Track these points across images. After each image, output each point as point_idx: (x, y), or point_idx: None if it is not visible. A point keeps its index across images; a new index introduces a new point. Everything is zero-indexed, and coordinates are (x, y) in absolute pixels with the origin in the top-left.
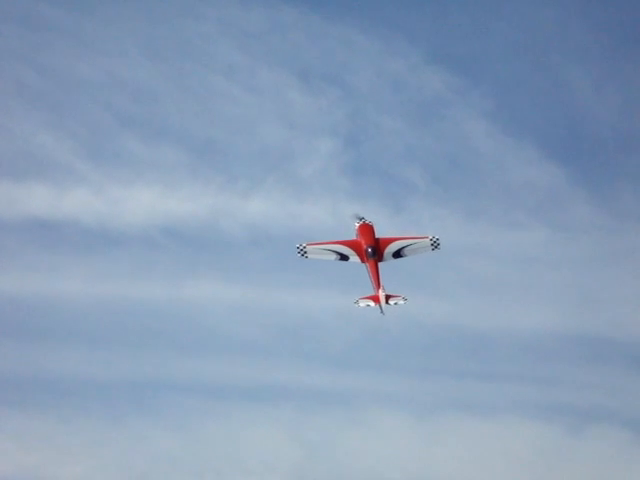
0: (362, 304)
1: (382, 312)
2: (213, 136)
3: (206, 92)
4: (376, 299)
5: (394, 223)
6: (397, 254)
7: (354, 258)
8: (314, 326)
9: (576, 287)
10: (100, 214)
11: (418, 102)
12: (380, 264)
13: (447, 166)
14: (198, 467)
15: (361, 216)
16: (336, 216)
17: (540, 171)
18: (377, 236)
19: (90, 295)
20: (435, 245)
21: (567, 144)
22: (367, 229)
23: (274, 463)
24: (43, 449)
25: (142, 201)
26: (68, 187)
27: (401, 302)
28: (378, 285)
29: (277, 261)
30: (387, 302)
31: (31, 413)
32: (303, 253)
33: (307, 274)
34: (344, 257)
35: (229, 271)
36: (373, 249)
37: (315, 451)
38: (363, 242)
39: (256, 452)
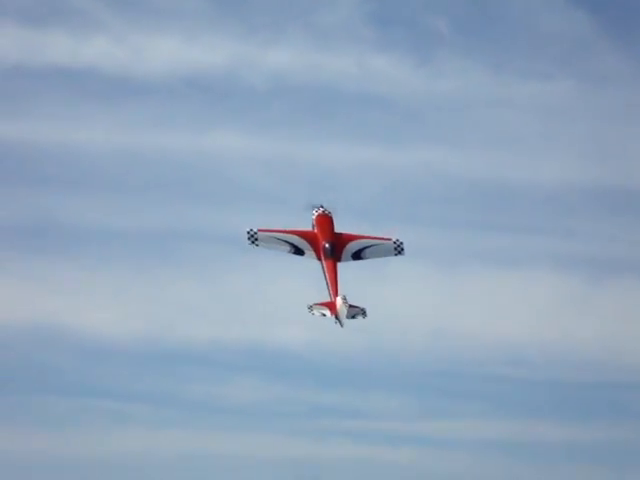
0: (316, 312)
1: (341, 324)
2: None
3: None
4: (332, 307)
5: (419, 74)
6: (357, 255)
7: (310, 253)
8: (336, 179)
9: (600, 139)
10: (121, 63)
11: None
12: (338, 264)
13: (473, 15)
14: (223, 317)
15: (319, 204)
16: (360, 67)
17: (568, 20)
18: (337, 230)
19: (112, 145)
20: (398, 250)
21: None
22: (325, 221)
23: (298, 314)
24: (68, 296)
25: (163, 50)
26: (88, 34)
27: (360, 317)
28: (335, 291)
29: (299, 112)
30: (347, 315)
31: (56, 260)
32: (253, 240)
33: (330, 125)
34: (299, 251)
35: (250, 122)
36: (332, 246)
37: None
38: (321, 237)
39: (280, 303)
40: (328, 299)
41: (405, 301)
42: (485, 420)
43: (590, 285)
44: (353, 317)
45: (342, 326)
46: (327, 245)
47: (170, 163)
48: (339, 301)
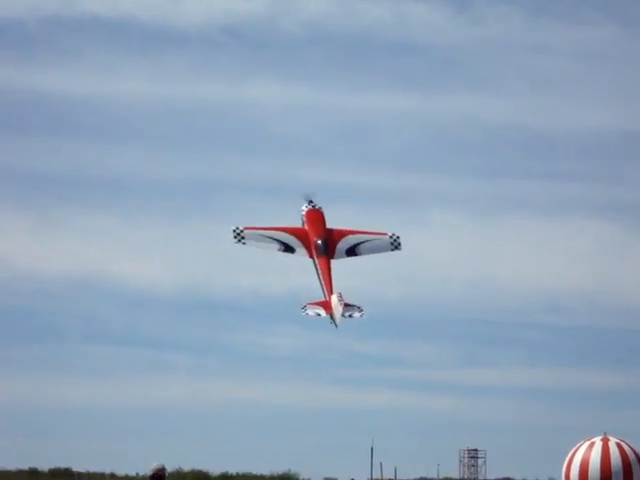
0: (310, 312)
1: (336, 324)
2: None
3: None
4: (327, 306)
5: (457, 21)
6: (351, 251)
7: (301, 250)
8: (374, 126)
9: None
10: (158, 12)
11: None
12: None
13: None
14: (263, 266)
15: (310, 198)
16: (398, 14)
17: None
18: (328, 226)
19: (150, 94)
20: (395, 245)
21: None
22: (316, 217)
23: (339, 264)
24: (108, 246)
25: None
26: None
27: (357, 315)
28: (330, 289)
29: (336, 60)
30: (342, 314)
31: (96, 210)
32: (240, 239)
33: (368, 73)
34: (289, 248)
35: (287, 70)
36: (325, 242)
37: None
38: (312, 233)
39: None
40: (323, 298)
41: (443, 250)
42: (525, 368)
43: (630, 232)
44: (350, 316)
45: (336, 326)
46: (319, 242)
47: (207, 112)
48: (334, 299)
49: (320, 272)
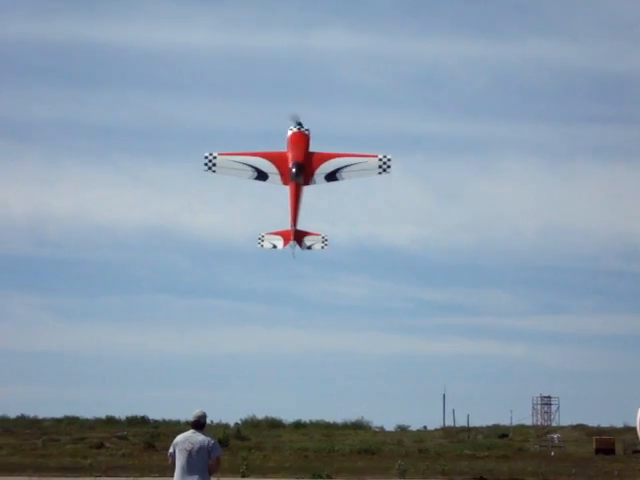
0: (267, 243)
1: (293, 256)
2: None
3: None
4: (287, 236)
5: None
6: (331, 176)
7: (274, 177)
8: (444, 73)
9: None
10: None
11: None
12: (307, 188)
13: None
14: (332, 215)
15: (298, 120)
16: None
17: None
18: (312, 150)
19: (217, 45)
20: (384, 168)
21: None
22: (299, 140)
23: (407, 211)
24: (182, 199)
25: None
26: None
27: (317, 246)
28: (295, 219)
29: (404, 6)
30: (300, 244)
31: (168, 163)
32: (211, 166)
33: (435, 19)
34: (262, 175)
35: (357, 18)
36: (299, 168)
37: (447, 199)
38: (290, 156)
39: (389, 202)
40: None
41: (516, 196)
42: (599, 314)
43: None
44: (309, 247)
45: (294, 257)
46: (294, 168)
47: (276, 63)
48: (293, 230)
49: (289, 199)
